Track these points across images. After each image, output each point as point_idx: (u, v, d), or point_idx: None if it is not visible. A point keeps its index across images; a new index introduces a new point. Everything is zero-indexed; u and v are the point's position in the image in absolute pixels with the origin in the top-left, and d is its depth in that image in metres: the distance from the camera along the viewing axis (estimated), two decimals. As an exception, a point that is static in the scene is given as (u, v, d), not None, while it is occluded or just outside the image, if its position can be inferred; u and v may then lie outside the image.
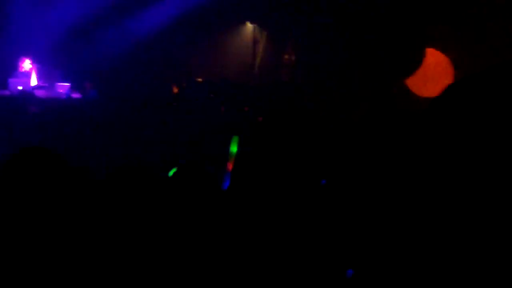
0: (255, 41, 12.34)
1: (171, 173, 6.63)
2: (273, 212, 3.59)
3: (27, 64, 10.37)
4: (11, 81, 9.94)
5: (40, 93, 10.08)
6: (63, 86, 10.18)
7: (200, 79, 11.28)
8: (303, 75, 12.04)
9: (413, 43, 11.76)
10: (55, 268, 3.07)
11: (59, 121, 9.21)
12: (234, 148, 6.96)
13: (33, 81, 10.27)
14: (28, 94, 9.84)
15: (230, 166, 6.97)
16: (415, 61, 11.84)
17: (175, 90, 11.06)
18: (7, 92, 9.85)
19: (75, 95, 10.27)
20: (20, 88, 9.83)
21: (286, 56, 12.37)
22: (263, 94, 11.16)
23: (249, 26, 12.48)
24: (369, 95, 11.36)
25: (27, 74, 10.27)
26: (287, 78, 12.22)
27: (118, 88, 11.29)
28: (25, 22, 10.98)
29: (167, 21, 11.97)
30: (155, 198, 3.49)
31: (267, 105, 10.80)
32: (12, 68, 10.32)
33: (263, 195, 3.35)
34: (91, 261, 3.08)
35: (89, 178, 3.53)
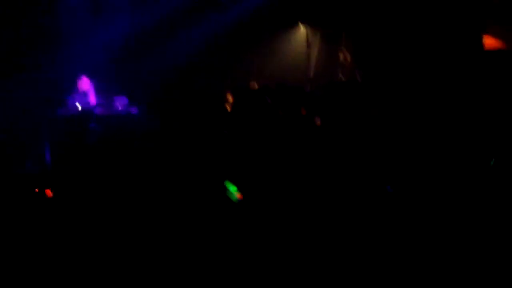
0: (308, 44, 12.16)
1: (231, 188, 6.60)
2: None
3: (85, 82, 10.45)
4: (70, 99, 10.03)
5: (99, 110, 10.13)
6: (121, 101, 10.21)
7: (255, 84, 11.18)
8: (361, 74, 11.80)
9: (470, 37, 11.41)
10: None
11: (119, 136, 9.25)
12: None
13: (92, 98, 10.34)
14: (87, 111, 9.92)
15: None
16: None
17: (230, 98, 10.99)
18: (67, 111, 9.94)
19: (133, 110, 10.29)
20: (79, 106, 9.91)
21: (341, 56, 12.15)
22: (320, 96, 10.98)
23: (302, 28, 12.32)
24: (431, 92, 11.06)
25: (86, 92, 10.34)
26: (344, 78, 11.99)
27: (174, 99, 11.31)
28: (81, 40, 11.12)
29: (219, 30, 11.95)
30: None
31: (325, 107, 10.62)
32: (71, 87, 10.42)
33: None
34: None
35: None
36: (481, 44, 11.06)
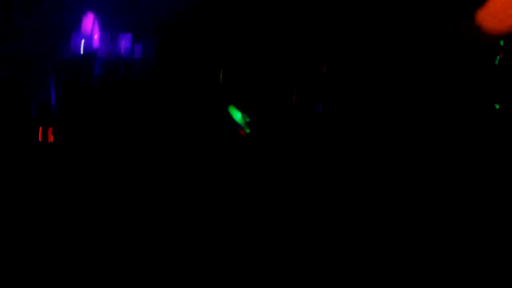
0: None
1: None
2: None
3: (89, 20, 10.41)
4: (74, 40, 10.02)
5: (102, 49, 10.13)
6: (126, 40, 10.18)
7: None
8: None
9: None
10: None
11: (122, 81, 9.30)
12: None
13: (96, 38, 10.34)
14: (90, 54, 9.95)
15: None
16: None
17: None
18: (69, 52, 9.95)
19: (137, 49, 10.26)
20: (81, 48, 9.92)
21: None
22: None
23: None
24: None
25: (90, 31, 10.33)
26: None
27: (181, 42, 11.26)
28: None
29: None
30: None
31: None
32: (74, 26, 10.39)
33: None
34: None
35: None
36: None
